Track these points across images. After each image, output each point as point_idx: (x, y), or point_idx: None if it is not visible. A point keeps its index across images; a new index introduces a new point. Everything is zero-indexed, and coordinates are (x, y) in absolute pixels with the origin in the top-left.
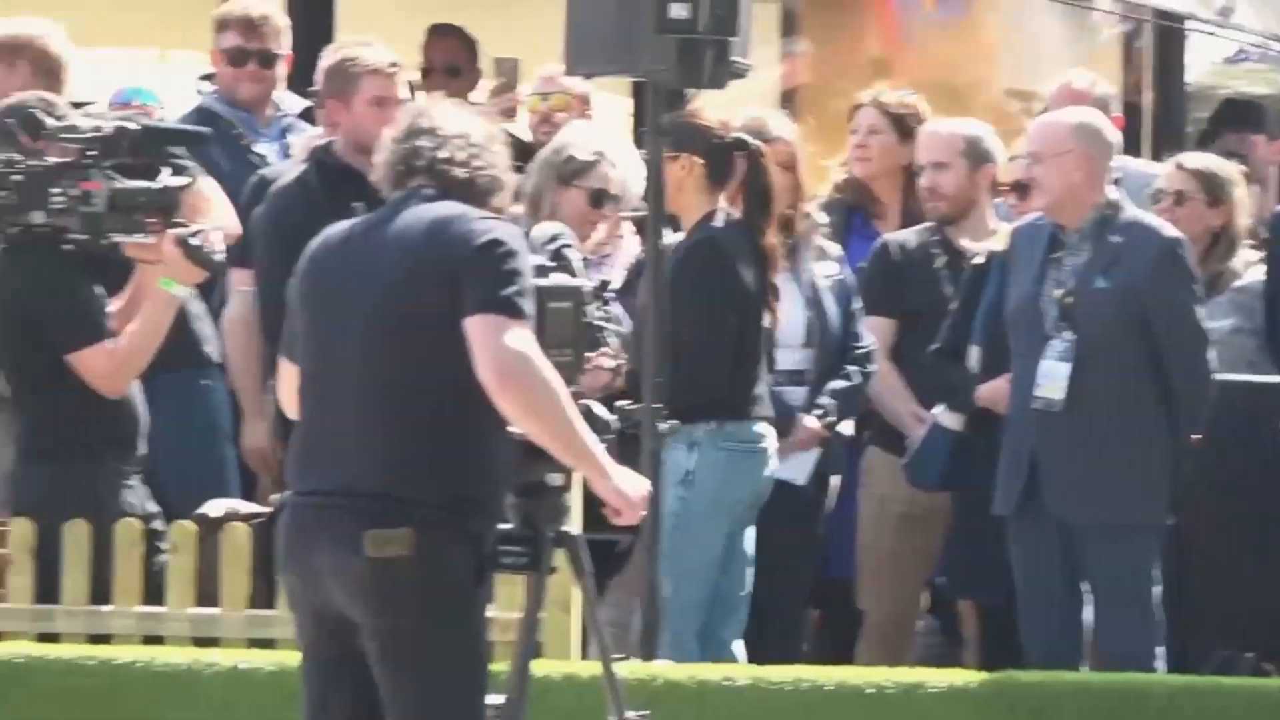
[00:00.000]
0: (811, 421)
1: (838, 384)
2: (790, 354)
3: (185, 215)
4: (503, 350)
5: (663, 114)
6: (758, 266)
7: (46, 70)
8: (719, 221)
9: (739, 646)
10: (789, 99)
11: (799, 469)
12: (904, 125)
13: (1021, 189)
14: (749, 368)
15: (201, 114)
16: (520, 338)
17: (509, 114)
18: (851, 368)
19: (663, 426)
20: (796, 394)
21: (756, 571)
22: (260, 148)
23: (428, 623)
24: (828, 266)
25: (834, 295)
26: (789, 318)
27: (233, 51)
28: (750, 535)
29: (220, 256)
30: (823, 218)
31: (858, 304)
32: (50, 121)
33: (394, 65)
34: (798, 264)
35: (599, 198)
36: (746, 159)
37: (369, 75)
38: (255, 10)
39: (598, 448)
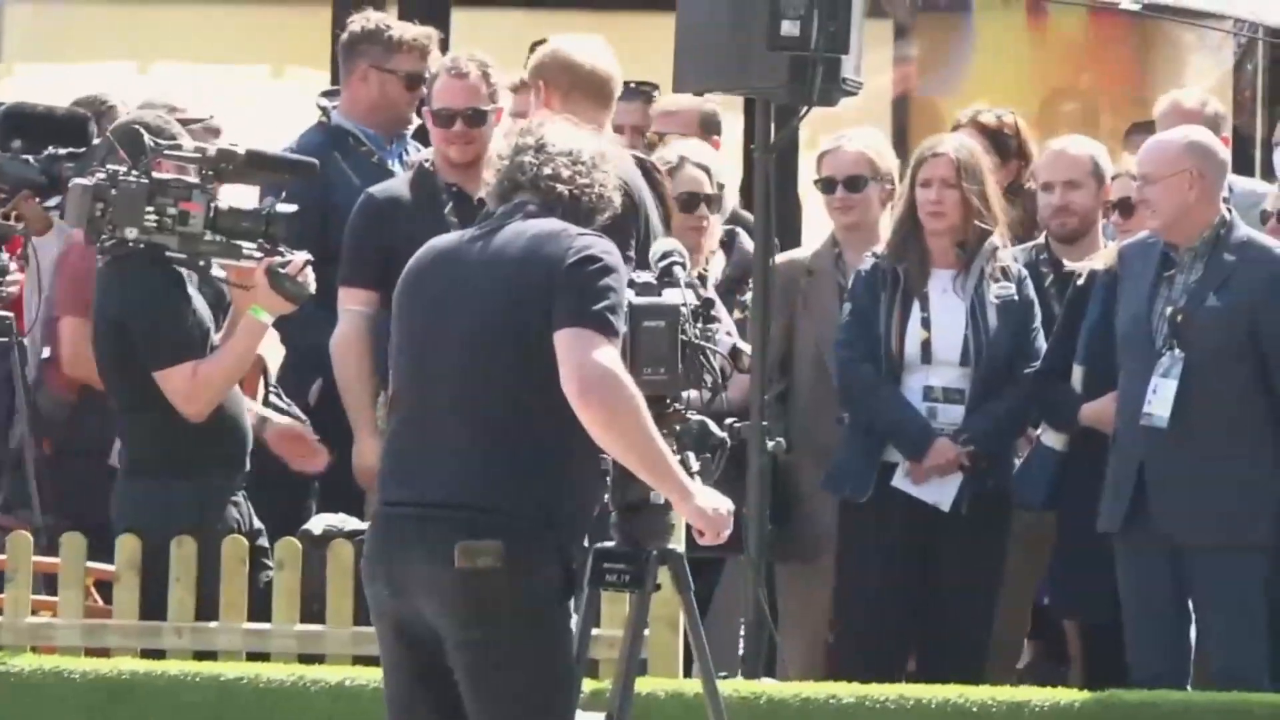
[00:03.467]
0: (946, 446)
1: (991, 406)
2: (948, 371)
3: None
4: (587, 364)
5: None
6: None
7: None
8: None
9: None
10: (901, 113)
11: (943, 493)
12: (1004, 145)
13: (1125, 207)
14: None
15: (332, 130)
16: (606, 353)
17: None
18: (1011, 390)
19: (770, 444)
20: (953, 412)
21: (931, 601)
22: (391, 165)
23: (515, 637)
24: (1004, 287)
25: (1002, 314)
26: (947, 334)
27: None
28: None
29: (310, 289)
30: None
31: (1036, 324)
32: (150, 141)
33: None
34: (966, 280)
35: (691, 202)
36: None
37: None
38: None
39: (678, 467)
